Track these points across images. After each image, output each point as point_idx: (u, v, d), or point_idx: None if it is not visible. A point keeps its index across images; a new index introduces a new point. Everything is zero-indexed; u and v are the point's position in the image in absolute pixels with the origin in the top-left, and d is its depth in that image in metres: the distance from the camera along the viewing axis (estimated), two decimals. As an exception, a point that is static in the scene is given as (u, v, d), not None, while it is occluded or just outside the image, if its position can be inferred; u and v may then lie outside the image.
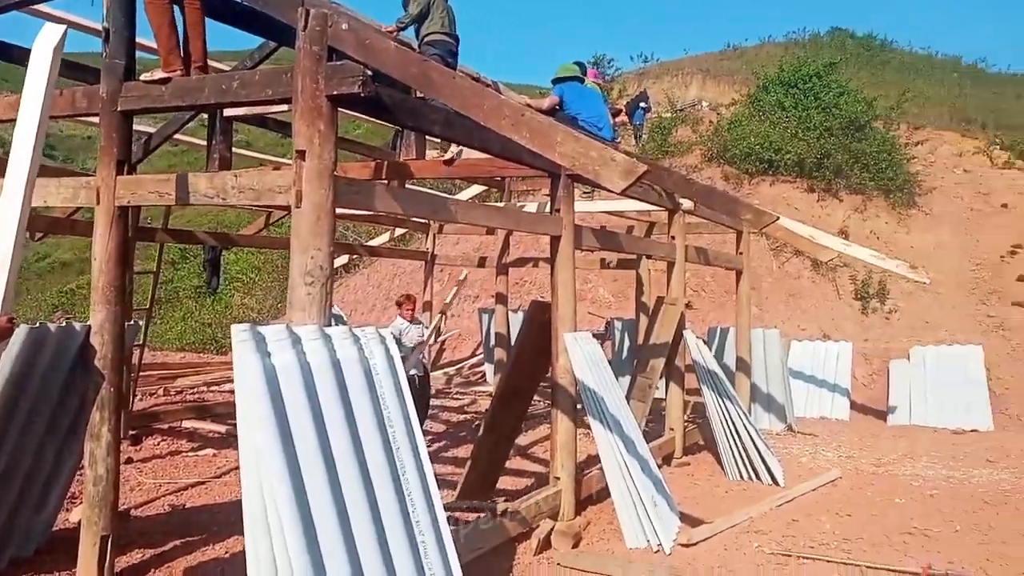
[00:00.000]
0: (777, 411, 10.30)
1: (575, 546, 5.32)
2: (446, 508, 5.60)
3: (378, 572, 3.15)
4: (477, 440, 6.13)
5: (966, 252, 16.29)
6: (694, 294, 15.45)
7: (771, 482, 7.30)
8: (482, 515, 5.29)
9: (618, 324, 12.00)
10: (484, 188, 10.85)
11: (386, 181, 6.73)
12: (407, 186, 8.65)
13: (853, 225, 16.64)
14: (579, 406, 5.75)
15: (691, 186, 5.85)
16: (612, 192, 3.26)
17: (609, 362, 13.01)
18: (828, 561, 5.20)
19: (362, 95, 3.55)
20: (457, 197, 10.09)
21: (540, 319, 5.69)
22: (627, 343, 11.61)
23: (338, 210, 3.81)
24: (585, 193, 7.99)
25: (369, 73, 3.61)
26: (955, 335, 13.22)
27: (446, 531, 3.64)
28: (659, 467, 7.67)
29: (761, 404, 10.29)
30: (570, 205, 5.43)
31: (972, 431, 10.55)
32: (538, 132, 3.12)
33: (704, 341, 8.88)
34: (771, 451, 7.62)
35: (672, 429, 8.05)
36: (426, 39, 5.86)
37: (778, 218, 7.46)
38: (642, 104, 17.25)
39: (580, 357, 5.39)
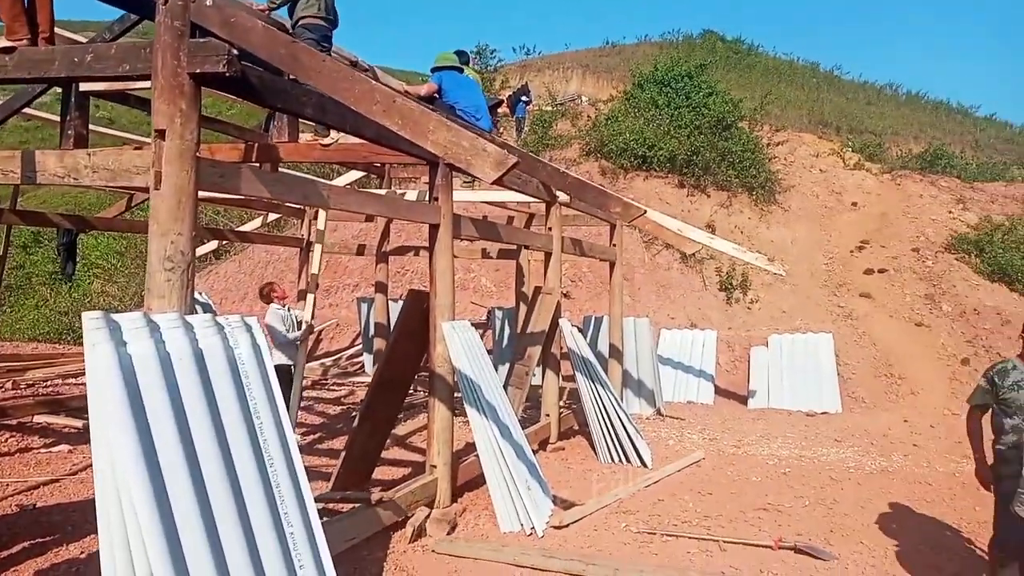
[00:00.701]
0: (647, 396, 10.73)
1: (450, 532, 5.35)
2: (319, 499, 5.51)
3: (244, 566, 3.06)
4: (352, 430, 6.04)
5: (820, 246, 17.51)
6: (572, 284, 15.85)
7: (640, 464, 7.60)
8: (356, 505, 5.24)
9: (499, 313, 12.12)
10: (363, 174, 10.64)
11: (257, 164, 6.50)
12: (281, 170, 8.38)
13: (719, 220, 17.52)
14: (457, 394, 5.78)
15: (564, 178, 5.97)
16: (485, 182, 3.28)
17: (489, 351, 13.14)
18: (689, 537, 5.48)
19: (227, 74, 3.41)
20: (334, 183, 9.85)
21: (418, 308, 5.67)
22: (507, 332, 11.75)
23: (206, 193, 3.64)
24: (466, 183, 8.01)
25: (235, 52, 3.46)
26: (809, 324, 14.20)
27: (316, 522, 3.58)
28: (535, 452, 7.83)
29: (632, 390, 10.69)
30: (448, 194, 5.43)
31: (823, 413, 11.37)
32: (410, 119, 3.10)
33: (579, 329, 9.12)
34: (640, 435, 7.93)
35: (548, 415, 8.23)
36: (301, 21, 5.69)
37: (645, 211, 7.74)
38: (523, 97, 17.45)
39: (457, 345, 5.42)
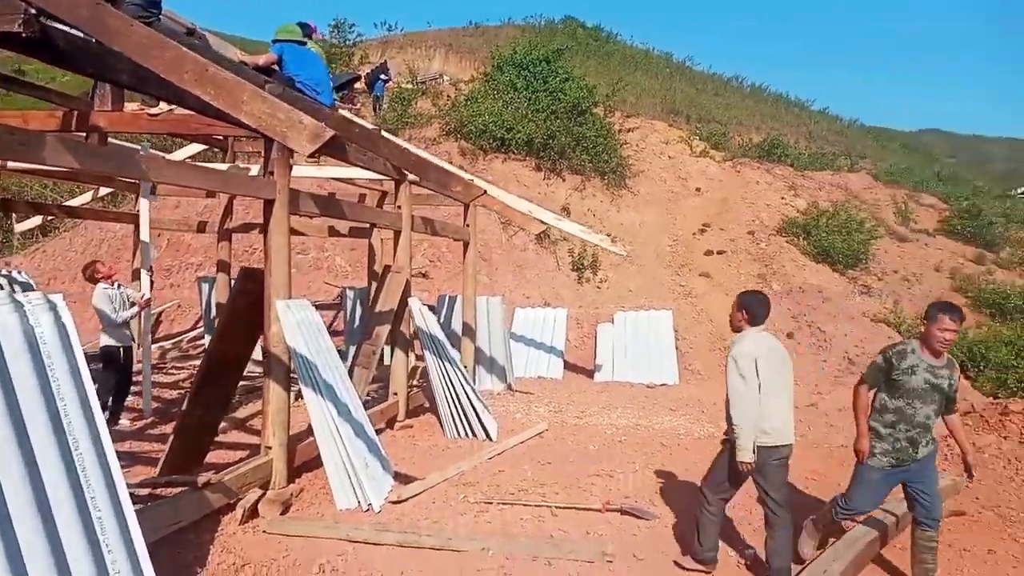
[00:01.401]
0: (499, 373, 10.99)
1: (284, 513, 5.30)
2: (142, 484, 5.33)
3: (43, 551, 2.94)
4: (181, 414, 5.84)
5: (665, 229, 18.47)
6: (431, 265, 15.90)
7: (485, 438, 7.80)
8: (184, 489, 5.08)
9: (350, 293, 11.97)
10: (204, 148, 10.17)
11: (83, 135, 6.09)
12: (112, 143, 7.89)
13: (574, 203, 18.08)
14: (294, 374, 5.70)
15: (407, 156, 5.98)
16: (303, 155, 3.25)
17: (332, 331, 12.91)
18: (524, 505, 5.71)
19: (23, 35, 3.19)
20: (171, 156, 9.36)
21: (251, 287, 5.53)
22: (359, 312, 11.64)
23: (19, 164, 3.39)
24: (310, 158, 7.82)
25: (32, 11, 3.24)
26: (653, 302, 14.97)
27: (128, 507, 3.46)
28: (382, 431, 7.89)
29: (484, 366, 10.90)
30: (285, 168, 5.30)
31: (662, 385, 12.06)
32: (223, 89, 3.02)
33: (431, 308, 9.20)
34: (488, 409, 8.13)
35: (396, 394, 8.25)
36: None
37: (484, 192, 7.88)
38: (382, 75, 17.14)
39: (293, 325, 5.34)
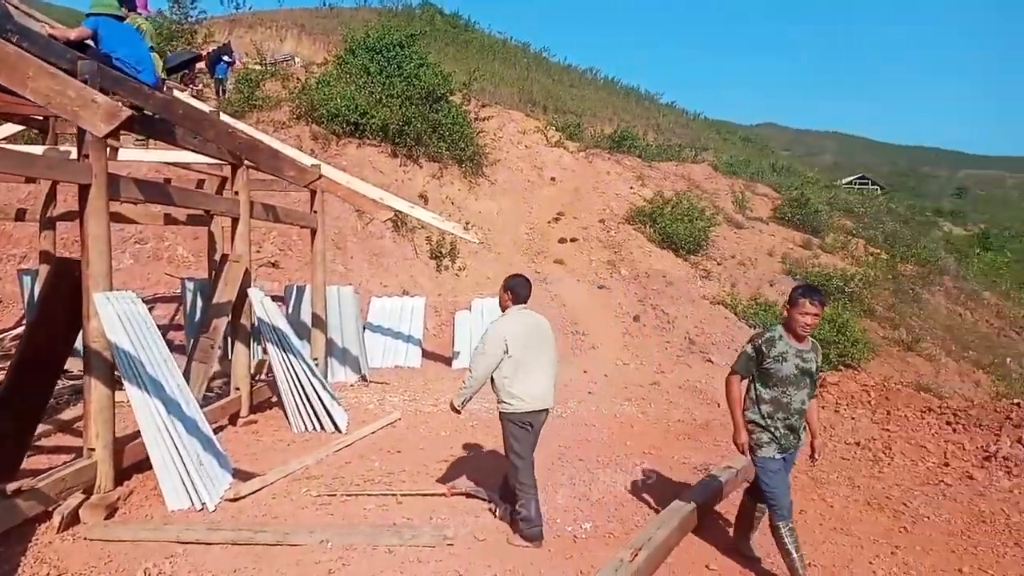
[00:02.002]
0: (352, 363, 10.81)
1: (109, 517, 5.00)
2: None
3: None
4: (-10, 418, 5.34)
5: (522, 218, 18.80)
6: (281, 254, 15.37)
7: (334, 430, 7.66)
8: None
9: (189, 284, 11.37)
10: (22, 128, 9.29)
11: None
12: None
13: (432, 190, 18.03)
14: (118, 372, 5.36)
15: (235, 139, 5.71)
16: (97, 134, 3.04)
17: (175, 325, 12.26)
18: (369, 495, 5.67)
19: None
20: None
21: (67, 278, 5.14)
22: (200, 304, 11.08)
23: None
24: (138, 141, 7.35)
25: None
26: (509, 289, 15.19)
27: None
28: (223, 427, 7.59)
29: (337, 358, 10.69)
30: (102, 150, 4.93)
31: (516, 370, 12.28)
32: (5, 63, 2.77)
33: (275, 299, 8.90)
34: (337, 401, 7.99)
35: (238, 388, 7.94)
36: None
37: (320, 176, 7.70)
38: (225, 57, 16.23)
39: (113, 318, 5.01)
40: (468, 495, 5.70)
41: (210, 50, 18.47)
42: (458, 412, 5.09)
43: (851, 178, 71.12)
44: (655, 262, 17.09)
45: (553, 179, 20.90)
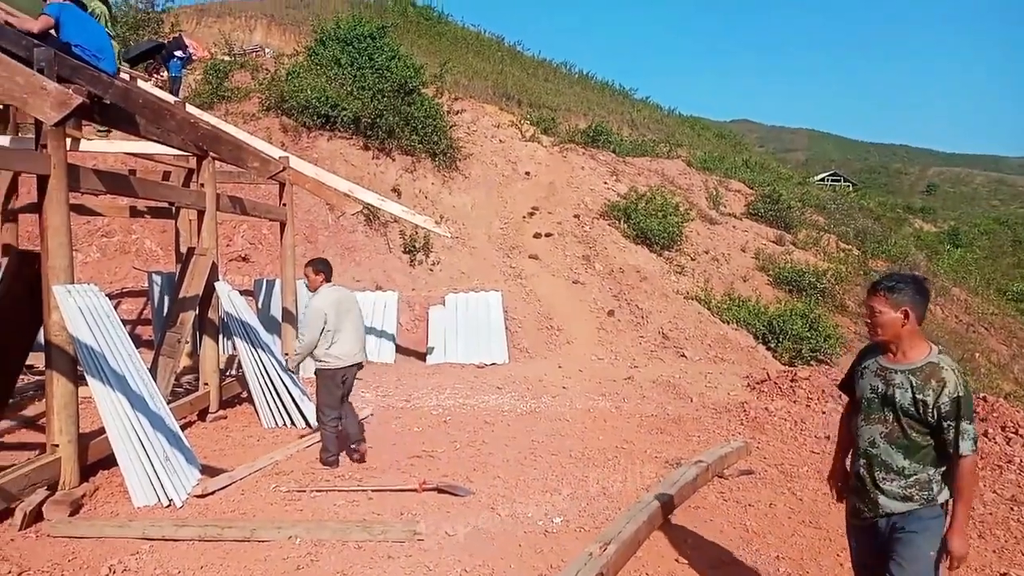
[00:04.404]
0: (324, 359, 10.68)
1: (74, 514, 4.89)
2: None
3: None
4: (-53, 414, 5.21)
5: (496, 212, 18.72)
6: (252, 247, 15.18)
7: (305, 426, 7.58)
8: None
9: (157, 278, 11.18)
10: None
11: None
12: None
13: (404, 184, 17.90)
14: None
15: (196, 130, 5.58)
16: (47, 122, 2.94)
17: (142, 319, 12.05)
18: (339, 491, 5.61)
19: None
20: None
21: (26, 271, 5.01)
22: (168, 298, 10.90)
23: None
24: (100, 131, 7.19)
25: None
26: (485, 283, 15.16)
27: None
28: (191, 423, 7.48)
29: (308, 353, 10.56)
30: (60, 140, 4.79)
31: (492, 364, 12.26)
32: (-50, 48, 2.67)
33: (244, 293, 8.78)
34: (307, 396, 7.89)
35: (207, 384, 7.82)
36: None
37: (284, 168, 7.58)
38: (178, 52, 15.52)
39: (74, 312, 4.89)
40: (440, 491, 5.66)
41: (164, 43, 17.82)
42: (296, 370, 6.53)
43: (823, 175, 72.05)
44: (629, 257, 17.12)
45: (528, 174, 20.84)
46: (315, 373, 6.18)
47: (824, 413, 8.88)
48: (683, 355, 13.26)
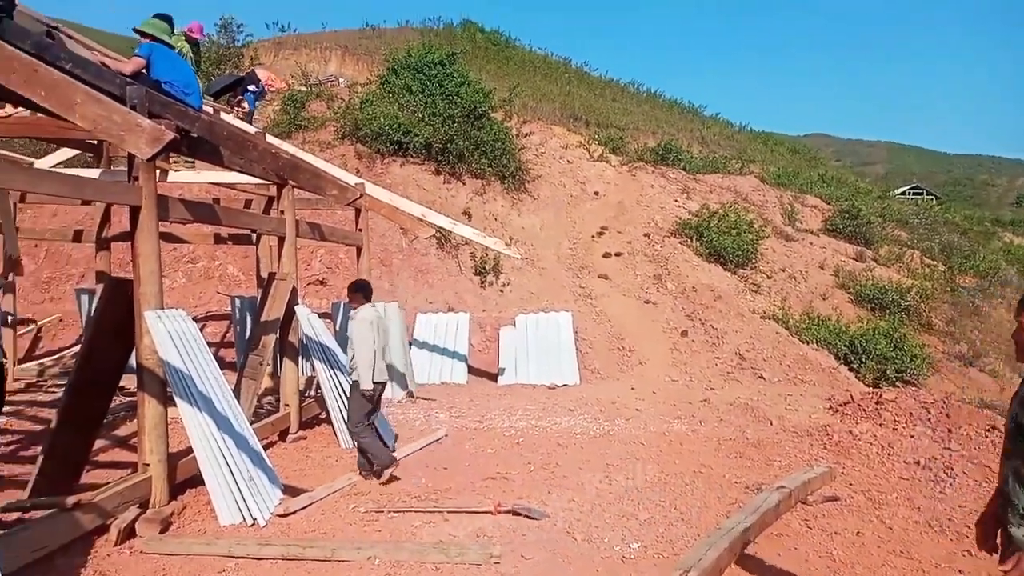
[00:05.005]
0: (399, 379, 10.84)
1: (164, 531, 5.07)
2: (7, 509, 5.01)
3: None
4: (49, 433, 5.49)
5: (565, 232, 18.73)
6: (328, 271, 15.57)
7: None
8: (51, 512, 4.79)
9: (238, 302, 11.58)
10: (78, 152, 9.62)
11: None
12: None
13: (475, 207, 18.10)
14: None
15: (277, 159, 5.80)
16: (141, 156, 3.10)
17: (225, 342, 12.46)
18: (416, 512, 5.66)
19: None
20: (40, 162, 8.81)
21: (120, 298, 5.26)
22: (249, 321, 11.28)
23: None
24: (186, 162, 7.54)
25: None
26: (554, 304, 15.15)
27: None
28: (273, 443, 7.68)
29: (383, 374, 10.74)
30: (151, 172, 5.05)
31: (563, 386, 12.21)
32: (54, 91, 2.85)
33: (321, 316, 9.00)
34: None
35: (287, 405, 8.02)
36: None
37: (362, 195, 7.76)
38: (251, 87, 16.14)
39: (164, 335, 5.11)
40: (515, 513, 5.64)
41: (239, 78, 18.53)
42: (369, 391, 6.51)
43: (904, 188, 69.48)
44: (703, 276, 16.84)
45: (596, 193, 20.80)
46: (351, 387, 6.57)
47: (912, 437, 8.49)
48: (761, 376, 12.92)
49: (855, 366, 14.23)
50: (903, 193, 60.01)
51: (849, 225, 22.81)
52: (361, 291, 6.76)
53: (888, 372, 14.06)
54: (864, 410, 9.69)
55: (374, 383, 6.46)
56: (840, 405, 10.12)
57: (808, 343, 14.56)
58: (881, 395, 10.16)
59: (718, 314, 15.23)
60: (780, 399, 11.00)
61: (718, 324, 14.80)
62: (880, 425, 9.12)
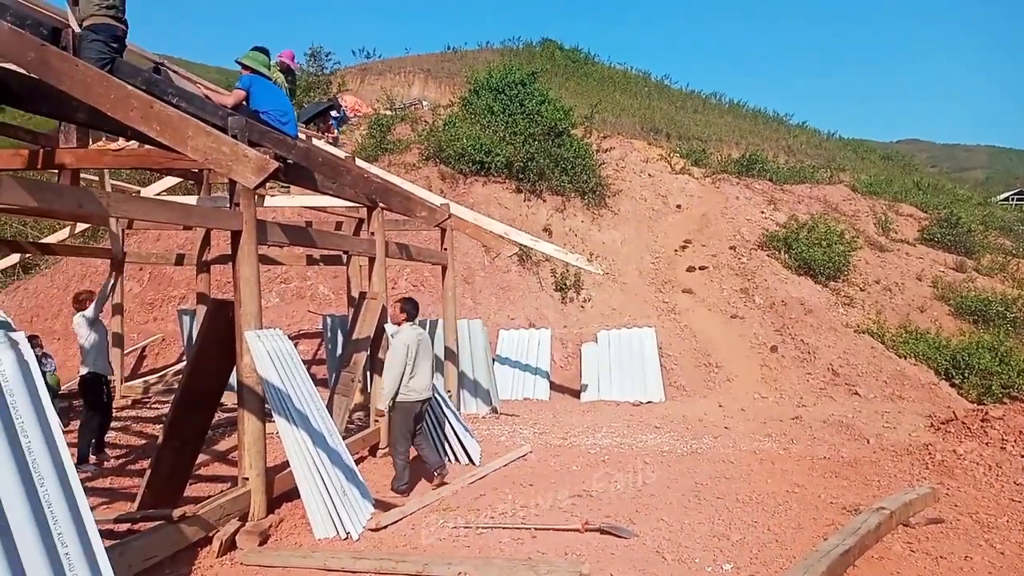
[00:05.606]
0: (483, 396, 10.96)
1: (263, 544, 5.26)
2: (119, 520, 5.30)
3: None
4: (157, 448, 5.80)
5: (647, 247, 18.55)
6: (414, 290, 15.89)
7: (468, 462, 7.78)
8: (159, 523, 5.05)
9: (329, 321, 11.96)
10: (179, 180, 10.18)
11: (56, 171, 6.11)
12: (84, 177, 7.90)
13: (555, 224, 18.16)
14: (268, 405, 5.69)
15: (369, 183, 6.01)
16: (249, 184, 3.26)
17: (317, 360, 12.83)
18: (503, 528, 5.68)
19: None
20: (145, 191, 9.37)
21: (222, 318, 5.53)
22: (340, 339, 11.62)
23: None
24: (282, 187, 7.88)
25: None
26: (637, 319, 15.01)
27: (96, 542, 3.47)
28: (363, 459, 7.86)
29: (468, 390, 10.88)
30: (251, 199, 5.32)
31: (648, 402, 12.06)
32: (168, 125, 3.05)
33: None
34: (470, 433, 8.11)
35: (377, 421, 8.21)
36: (86, 23, 5.35)
37: (449, 216, 7.90)
38: (333, 112, 16.70)
39: (263, 354, 5.33)
40: (603, 531, 5.59)
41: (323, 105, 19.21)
42: (385, 411, 6.78)
43: (1007, 194, 65.59)
44: (792, 289, 16.35)
45: (679, 206, 20.55)
46: (394, 404, 6.61)
47: (1023, 456, 8.00)
48: (856, 393, 12.43)
49: (957, 381, 13.52)
50: (1006, 199, 56.60)
51: (948, 234, 21.76)
52: (407, 309, 6.85)
53: (994, 387, 13.30)
54: (969, 428, 9.17)
55: (419, 400, 6.65)
56: (942, 423, 9.62)
57: (906, 358, 13.93)
58: (987, 412, 9.60)
59: (809, 328, 14.75)
60: (877, 416, 10.54)
61: (809, 339, 14.34)
62: (987, 444, 8.62)
